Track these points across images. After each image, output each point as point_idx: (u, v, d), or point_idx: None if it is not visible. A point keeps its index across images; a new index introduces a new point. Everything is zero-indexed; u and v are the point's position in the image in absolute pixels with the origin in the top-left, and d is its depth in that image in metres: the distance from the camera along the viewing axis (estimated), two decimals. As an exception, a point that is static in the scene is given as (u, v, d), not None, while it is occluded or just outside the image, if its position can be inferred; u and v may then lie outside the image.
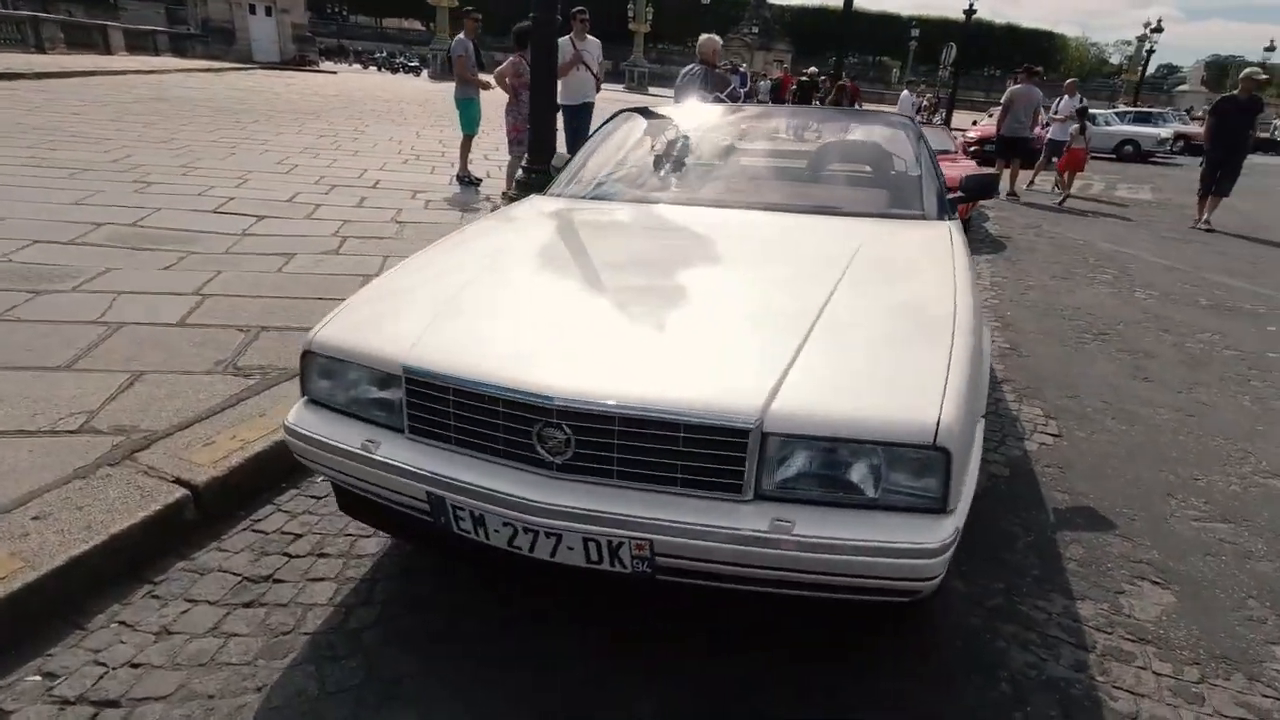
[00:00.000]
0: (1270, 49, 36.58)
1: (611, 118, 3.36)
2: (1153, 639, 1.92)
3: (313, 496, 2.36)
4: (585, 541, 1.46)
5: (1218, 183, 8.36)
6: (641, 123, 3.30)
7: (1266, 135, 25.43)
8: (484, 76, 7.39)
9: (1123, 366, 3.90)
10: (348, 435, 1.70)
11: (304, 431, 1.74)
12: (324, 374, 1.79)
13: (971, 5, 20.75)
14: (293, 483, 2.43)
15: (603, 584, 1.61)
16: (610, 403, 1.46)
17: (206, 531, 2.16)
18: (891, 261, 2.21)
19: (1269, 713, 1.71)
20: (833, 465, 1.44)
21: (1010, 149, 10.13)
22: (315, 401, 1.82)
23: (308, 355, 1.80)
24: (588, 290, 2.01)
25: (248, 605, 1.89)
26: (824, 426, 1.42)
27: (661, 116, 3.36)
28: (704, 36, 5.77)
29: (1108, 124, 21.37)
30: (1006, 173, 10.03)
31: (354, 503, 1.88)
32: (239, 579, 1.98)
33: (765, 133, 3.48)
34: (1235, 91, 8.32)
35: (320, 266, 4.33)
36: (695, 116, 3.58)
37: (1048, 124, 10.87)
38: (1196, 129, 8.68)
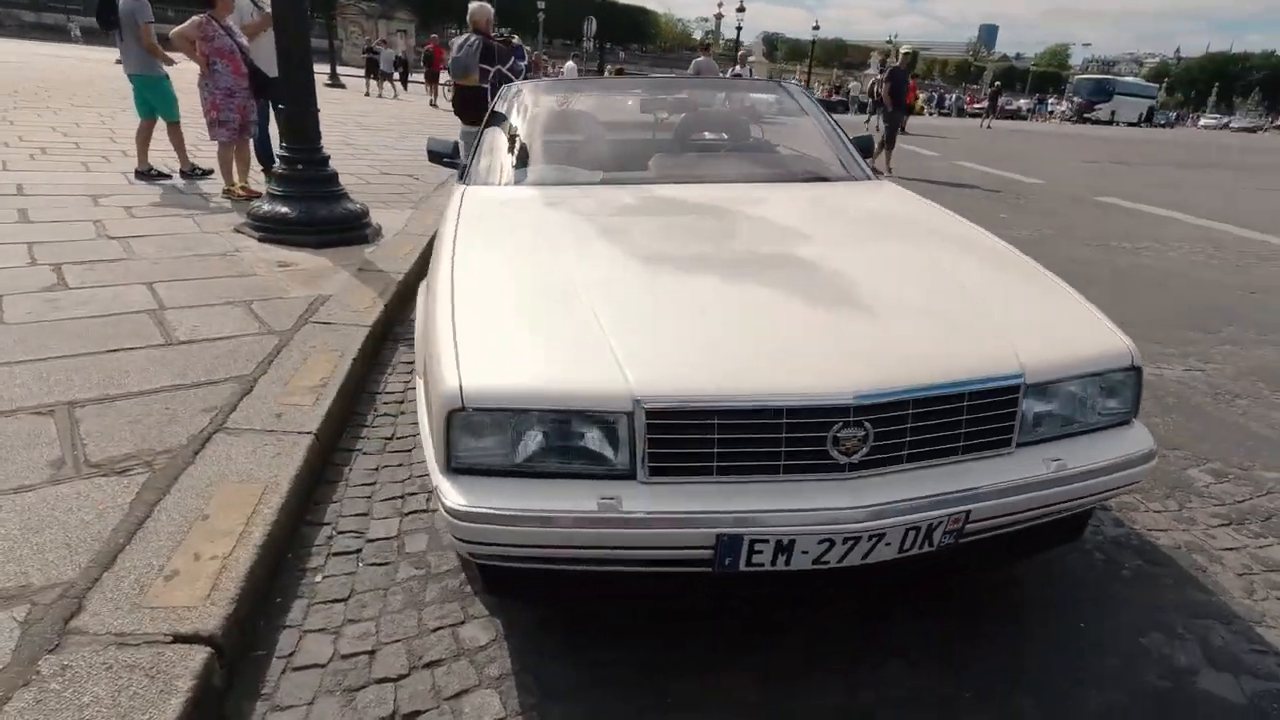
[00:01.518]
0: (816, 28, 45.96)
1: (499, 92, 3.01)
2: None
3: (331, 601, 1.79)
4: (906, 532, 1.39)
5: (891, 136, 10.23)
6: (537, 98, 2.99)
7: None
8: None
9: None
10: (566, 498, 1.35)
11: (494, 510, 1.33)
12: (482, 432, 1.38)
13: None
14: (289, 591, 1.81)
15: (876, 576, 1.54)
16: (902, 388, 1.39)
17: (246, 694, 1.52)
18: (912, 220, 2.38)
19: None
20: (1064, 401, 1.58)
21: None
22: (464, 471, 1.40)
23: (457, 414, 1.36)
24: (734, 281, 1.81)
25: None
26: (1063, 369, 1.54)
27: (554, 91, 3.08)
28: (475, 4, 5.30)
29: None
30: None
31: (510, 579, 1.52)
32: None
33: (662, 105, 3.37)
34: (898, 63, 10.48)
35: (57, 311, 3.13)
36: (582, 90, 3.33)
37: None
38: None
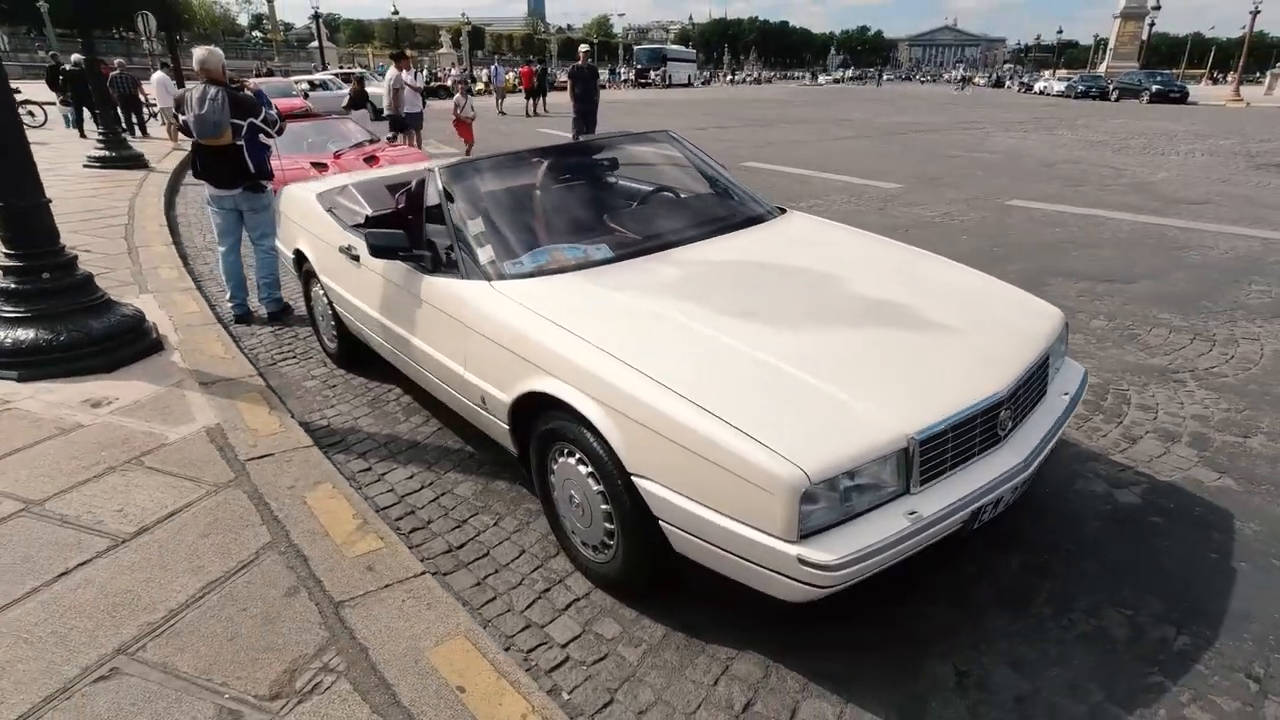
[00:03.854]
0: (396, 12, 44.62)
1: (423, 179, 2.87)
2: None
3: None
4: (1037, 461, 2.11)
5: (589, 126, 11.05)
6: (474, 179, 2.92)
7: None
8: None
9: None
10: (885, 527, 1.76)
11: (858, 554, 1.69)
12: (817, 500, 1.71)
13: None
14: None
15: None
16: (1022, 373, 2.09)
17: None
18: (874, 247, 3.06)
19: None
20: (1055, 354, 2.43)
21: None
22: (808, 534, 1.71)
23: (808, 496, 1.67)
24: (844, 325, 2.25)
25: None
26: (1056, 334, 2.39)
27: (484, 170, 3.01)
28: (202, 50, 4.40)
29: (338, 88, 23.24)
30: None
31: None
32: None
33: (572, 170, 3.40)
34: (580, 63, 11.25)
35: None
36: (518, 163, 3.23)
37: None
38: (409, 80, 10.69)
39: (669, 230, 2.93)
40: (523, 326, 2.26)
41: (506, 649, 2.04)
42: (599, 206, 3.25)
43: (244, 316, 4.83)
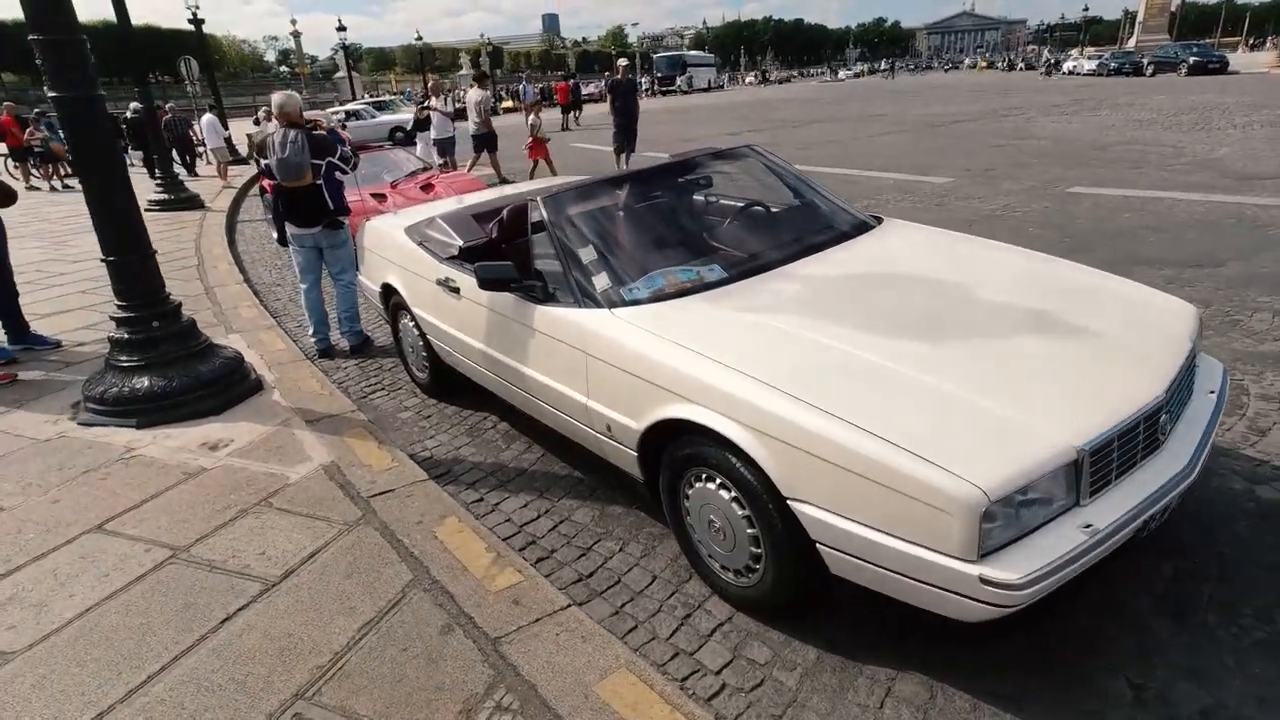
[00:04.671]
0: (419, 38, 45.44)
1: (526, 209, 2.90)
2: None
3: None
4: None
5: (630, 140, 11.25)
6: (575, 206, 2.95)
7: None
8: None
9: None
10: (1062, 541, 1.72)
11: (1041, 569, 1.65)
12: (995, 518, 1.68)
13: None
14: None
15: None
16: (1174, 375, 2.03)
17: None
18: (989, 251, 3.00)
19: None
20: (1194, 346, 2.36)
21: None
22: (986, 554, 1.68)
23: (987, 515, 1.64)
24: (974, 335, 2.22)
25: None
26: (1197, 331, 2.32)
27: (583, 196, 3.04)
28: (282, 95, 4.55)
29: (372, 116, 23.78)
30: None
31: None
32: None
33: (667, 191, 3.42)
34: (618, 76, 11.37)
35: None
36: (610, 188, 3.25)
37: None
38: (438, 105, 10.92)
39: (776, 246, 2.92)
40: (654, 353, 2.27)
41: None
42: (699, 226, 3.26)
43: (327, 351, 4.94)
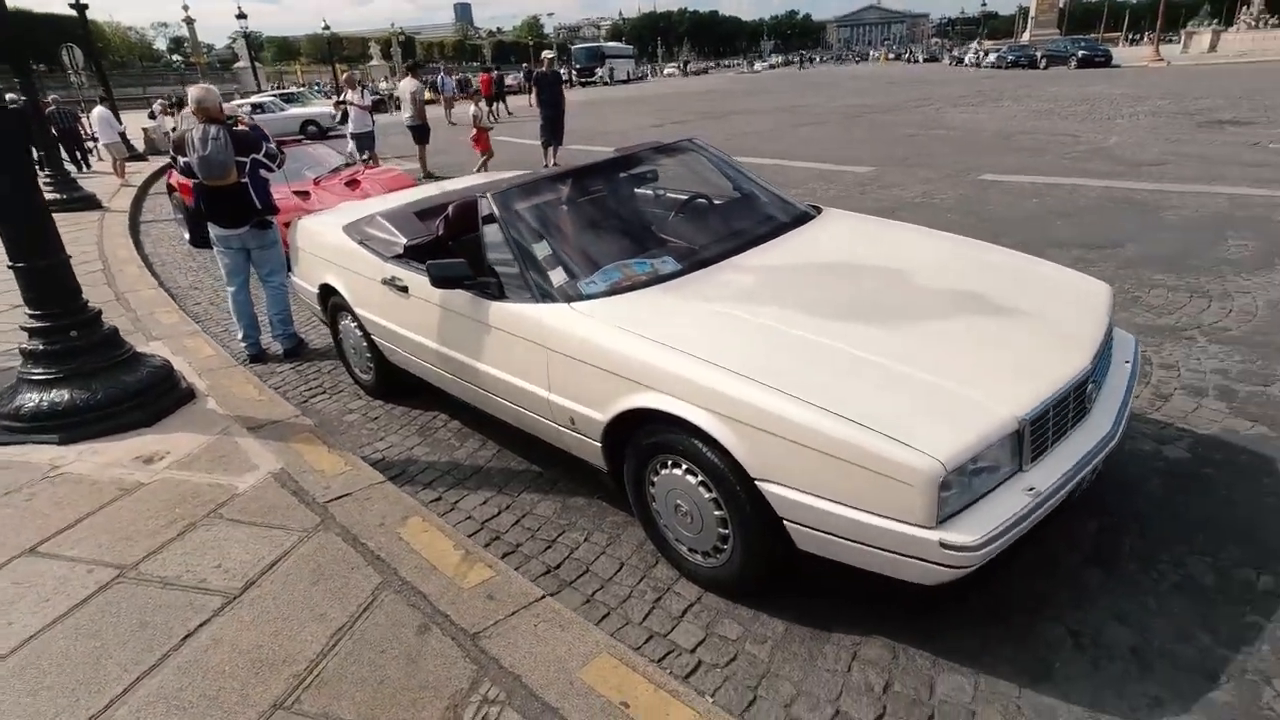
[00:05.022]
0: (327, 27, 43.54)
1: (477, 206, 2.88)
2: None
3: None
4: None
5: (557, 134, 11.04)
6: (524, 201, 2.94)
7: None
8: None
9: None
10: (1009, 505, 1.87)
11: (992, 531, 1.79)
12: (950, 487, 1.80)
13: None
14: None
15: None
16: (1099, 344, 2.23)
17: None
18: (915, 238, 3.18)
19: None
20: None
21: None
22: (943, 520, 1.81)
23: (945, 484, 1.76)
24: (921, 318, 2.35)
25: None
26: (1110, 302, 2.54)
27: (532, 191, 3.03)
28: (200, 89, 4.29)
29: (280, 109, 22.70)
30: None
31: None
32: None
33: (614, 185, 3.42)
34: (543, 68, 11.27)
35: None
36: (559, 183, 3.23)
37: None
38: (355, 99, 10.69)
39: (725, 238, 3.00)
40: (618, 345, 2.31)
41: (644, 660, 2.10)
42: (648, 219, 3.31)
43: (259, 355, 4.76)
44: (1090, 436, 2.11)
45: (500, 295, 2.73)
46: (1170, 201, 6.74)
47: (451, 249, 3.30)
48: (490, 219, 2.84)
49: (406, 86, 11.63)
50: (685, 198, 3.48)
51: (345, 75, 14.56)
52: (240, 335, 4.74)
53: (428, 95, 13.91)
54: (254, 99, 24.96)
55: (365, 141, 11.27)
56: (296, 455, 3.17)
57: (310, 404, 4.03)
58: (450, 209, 3.34)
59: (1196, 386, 3.38)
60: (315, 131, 21.66)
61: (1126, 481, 2.73)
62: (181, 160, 4.40)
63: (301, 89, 33.59)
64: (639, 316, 2.41)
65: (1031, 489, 1.90)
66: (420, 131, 11.62)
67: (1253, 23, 35.77)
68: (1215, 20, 40.36)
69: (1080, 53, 33.54)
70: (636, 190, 3.56)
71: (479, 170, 10.70)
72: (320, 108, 23.31)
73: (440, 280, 2.72)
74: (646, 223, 3.27)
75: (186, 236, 8.42)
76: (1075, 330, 2.31)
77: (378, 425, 3.74)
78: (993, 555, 1.82)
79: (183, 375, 4.00)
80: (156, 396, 3.60)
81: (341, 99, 11.87)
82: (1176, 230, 5.84)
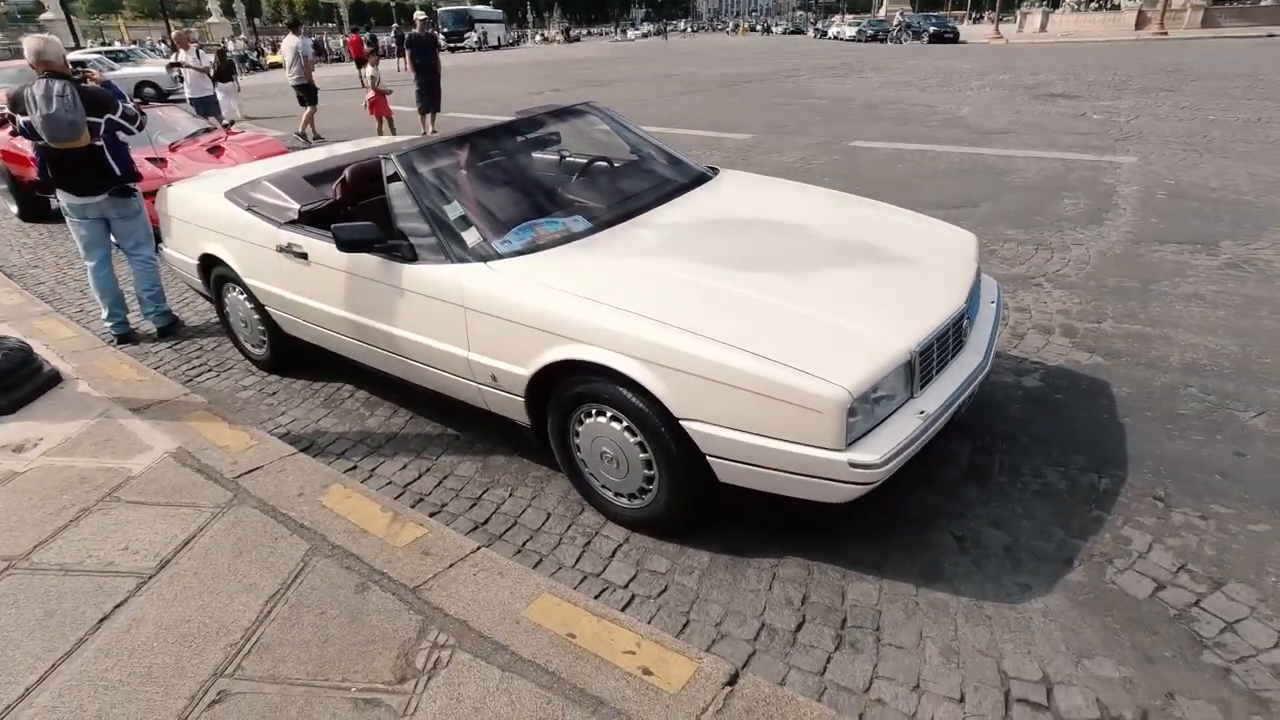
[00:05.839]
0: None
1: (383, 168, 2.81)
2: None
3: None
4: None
5: (434, 99, 10.62)
6: (430, 163, 2.89)
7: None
8: None
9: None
10: (904, 427, 2.11)
11: (895, 451, 2.02)
12: (856, 413, 2.01)
13: None
14: None
15: None
16: (971, 285, 2.51)
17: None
18: (806, 194, 3.39)
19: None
20: None
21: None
22: (852, 443, 2.02)
23: (851, 410, 1.96)
24: (820, 266, 2.55)
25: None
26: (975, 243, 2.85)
27: (439, 153, 2.98)
28: (37, 39, 3.77)
29: (109, 69, 20.37)
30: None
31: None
32: None
33: (518, 147, 3.38)
34: (416, 30, 10.62)
35: None
36: (462, 144, 3.16)
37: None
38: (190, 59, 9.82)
39: (631, 197, 3.09)
40: (539, 301, 2.37)
41: (583, 597, 2.21)
42: (554, 180, 3.34)
43: (128, 335, 4.40)
44: (966, 366, 2.40)
45: (412, 258, 2.70)
46: (1016, 165, 7.47)
47: (351, 213, 3.20)
48: (396, 180, 2.79)
49: (289, 43, 10.96)
50: (587, 160, 3.54)
51: (176, 34, 13.29)
52: (105, 315, 4.36)
53: (274, 57, 13.12)
54: (75, 56, 22.22)
55: (206, 106, 10.41)
56: (194, 433, 3.01)
57: (197, 382, 3.80)
58: (347, 172, 3.23)
59: (1045, 326, 3.84)
60: (153, 94, 19.72)
61: (994, 407, 3.10)
62: (20, 120, 3.94)
63: (133, 46, 30.18)
64: (557, 273, 2.47)
65: (922, 412, 2.15)
66: (307, 91, 10.98)
67: (1076, 5, 39.39)
68: (1045, 2, 44.10)
69: (932, 28, 35.84)
70: (541, 153, 3.57)
71: (381, 134, 10.23)
72: (156, 68, 21.11)
73: (348, 244, 2.66)
74: (554, 183, 3.31)
75: (14, 210, 7.52)
76: (950, 273, 2.60)
77: (277, 400, 3.59)
78: (893, 471, 2.06)
79: (44, 360, 3.65)
80: (17, 382, 3.29)
81: (175, 60, 10.87)
82: (1022, 191, 6.50)
